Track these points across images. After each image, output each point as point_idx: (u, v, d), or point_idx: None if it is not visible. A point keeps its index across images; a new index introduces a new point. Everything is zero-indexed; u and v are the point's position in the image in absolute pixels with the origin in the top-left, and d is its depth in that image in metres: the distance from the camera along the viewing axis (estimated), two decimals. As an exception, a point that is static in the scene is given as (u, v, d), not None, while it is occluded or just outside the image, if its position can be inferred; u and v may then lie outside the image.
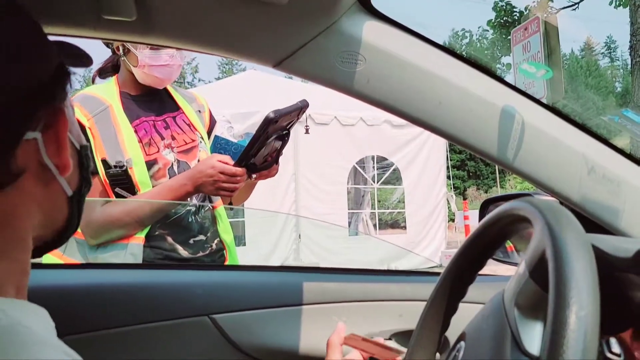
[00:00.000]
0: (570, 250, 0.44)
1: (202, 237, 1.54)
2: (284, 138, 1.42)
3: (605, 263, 0.59)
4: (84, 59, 0.58)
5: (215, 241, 1.58)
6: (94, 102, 1.45)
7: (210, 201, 1.60)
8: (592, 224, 0.84)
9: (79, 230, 1.13)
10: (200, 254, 1.53)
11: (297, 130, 7.25)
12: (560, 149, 0.82)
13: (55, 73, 0.51)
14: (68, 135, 0.52)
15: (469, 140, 0.81)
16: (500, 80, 0.83)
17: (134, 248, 1.44)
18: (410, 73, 0.78)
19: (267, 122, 1.27)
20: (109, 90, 1.52)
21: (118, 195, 1.43)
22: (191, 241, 1.51)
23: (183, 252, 1.49)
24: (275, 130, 1.34)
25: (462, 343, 0.61)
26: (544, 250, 0.47)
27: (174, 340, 0.83)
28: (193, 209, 1.54)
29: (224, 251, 1.61)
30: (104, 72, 1.61)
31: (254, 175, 1.48)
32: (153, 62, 1.47)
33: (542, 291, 0.51)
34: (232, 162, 1.40)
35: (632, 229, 0.84)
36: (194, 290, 1.03)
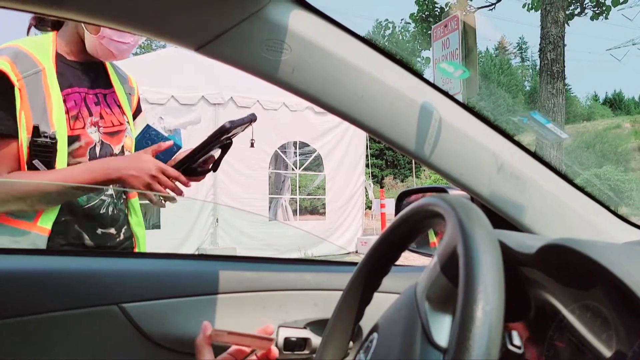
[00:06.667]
0: (479, 248, 0.46)
1: (112, 230, 1.47)
2: (225, 147, 1.42)
3: (509, 258, 0.62)
4: None
5: (126, 236, 1.52)
6: (27, 62, 1.33)
7: (125, 192, 1.52)
8: (500, 219, 0.89)
9: None
10: (108, 244, 1.47)
11: (217, 114, 7.11)
12: (473, 146, 0.85)
13: None
14: None
15: (388, 134, 0.83)
16: (421, 77, 0.85)
17: (37, 239, 1.32)
18: (335, 65, 0.78)
19: (222, 132, 1.27)
20: (44, 49, 1.38)
21: (32, 167, 1.31)
22: (99, 231, 1.43)
23: (89, 242, 1.42)
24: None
25: (375, 334, 0.63)
26: (455, 246, 0.49)
27: (81, 330, 0.79)
28: (109, 199, 1.46)
29: (133, 248, 1.56)
30: (42, 24, 1.47)
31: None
32: (117, 38, 1.37)
33: (452, 285, 0.53)
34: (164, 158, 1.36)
35: (535, 224, 0.89)
36: (102, 278, 0.99)
